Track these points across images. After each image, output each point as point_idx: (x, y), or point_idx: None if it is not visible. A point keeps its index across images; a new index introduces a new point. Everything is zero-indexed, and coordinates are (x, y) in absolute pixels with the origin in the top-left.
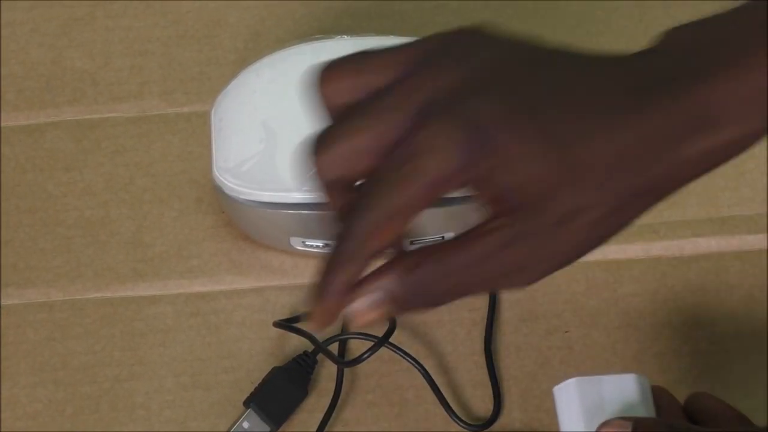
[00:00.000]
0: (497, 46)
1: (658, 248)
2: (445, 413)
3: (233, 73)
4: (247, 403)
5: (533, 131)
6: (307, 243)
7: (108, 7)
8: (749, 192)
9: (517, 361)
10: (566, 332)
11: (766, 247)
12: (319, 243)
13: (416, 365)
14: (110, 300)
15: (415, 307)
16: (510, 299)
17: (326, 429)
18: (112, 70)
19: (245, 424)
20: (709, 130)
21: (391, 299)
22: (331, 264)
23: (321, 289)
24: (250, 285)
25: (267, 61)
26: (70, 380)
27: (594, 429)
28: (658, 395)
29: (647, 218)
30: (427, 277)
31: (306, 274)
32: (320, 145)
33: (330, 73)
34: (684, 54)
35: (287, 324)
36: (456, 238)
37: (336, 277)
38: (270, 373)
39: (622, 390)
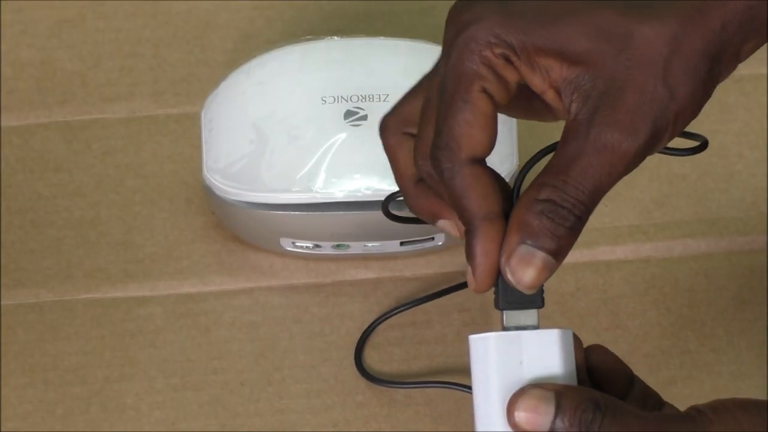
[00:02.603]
0: None
1: (648, 249)
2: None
3: (223, 75)
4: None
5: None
6: (296, 244)
7: (98, 9)
8: (738, 193)
9: None
10: None
11: (755, 248)
12: (309, 243)
13: None
14: (100, 301)
15: (571, 244)
16: None
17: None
18: (103, 72)
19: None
20: None
21: (552, 237)
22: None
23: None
24: (240, 286)
25: (257, 62)
26: (60, 381)
27: (507, 389)
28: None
29: (637, 219)
30: (574, 192)
31: (296, 275)
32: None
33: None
34: None
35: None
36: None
37: (467, 203)
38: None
39: (542, 347)
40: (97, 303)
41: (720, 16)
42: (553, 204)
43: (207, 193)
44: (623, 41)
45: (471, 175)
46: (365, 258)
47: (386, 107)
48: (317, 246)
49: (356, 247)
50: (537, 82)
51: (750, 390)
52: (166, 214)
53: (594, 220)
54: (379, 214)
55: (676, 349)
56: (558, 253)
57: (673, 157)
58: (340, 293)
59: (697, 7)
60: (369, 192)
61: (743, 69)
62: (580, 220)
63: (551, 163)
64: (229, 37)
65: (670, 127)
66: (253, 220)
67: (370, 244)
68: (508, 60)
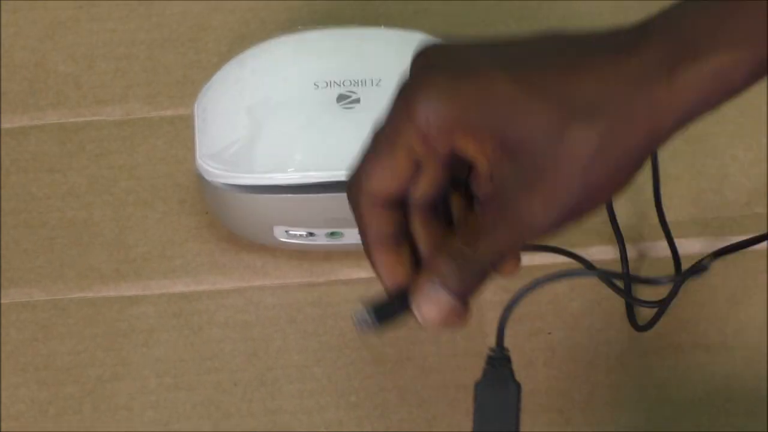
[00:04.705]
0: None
1: (642, 250)
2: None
3: None
4: None
5: (520, 73)
6: (290, 232)
7: (92, 10)
8: (732, 194)
9: None
10: (549, 334)
11: (749, 249)
12: (303, 231)
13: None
14: (93, 300)
15: (475, 289)
16: (493, 301)
17: None
18: (96, 74)
19: None
20: (694, 58)
21: (451, 286)
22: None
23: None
24: (233, 285)
25: (251, 52)
26: (52, 381)
27: None
28: None
29: (631, 220)
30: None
31: (289, 275)
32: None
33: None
34: (662, 19)
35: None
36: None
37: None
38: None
39: None
40: (90, 302)
41: (649, 119)
42: (462, 256)
43: (200, 182)
44: (553, 137)
45: (368, 207)
46: (359, 257)
47: (379, 91)
48: (311, 234)
49: (350, 236)
50: (469, 152)
51: (744, 392)
52: (159, 215)
53: (589, 221)
54: None
55: (670, 350)
56: (462, 294)
57: (666, 157)
58: (333, 293)
59: (627, 111)
60: None
61: None
62: (486, 273)
63: (469, 220)
64: (224, 39)
65: (584, 214)
66: (245, 206)
67: None
68: (440, 131)
